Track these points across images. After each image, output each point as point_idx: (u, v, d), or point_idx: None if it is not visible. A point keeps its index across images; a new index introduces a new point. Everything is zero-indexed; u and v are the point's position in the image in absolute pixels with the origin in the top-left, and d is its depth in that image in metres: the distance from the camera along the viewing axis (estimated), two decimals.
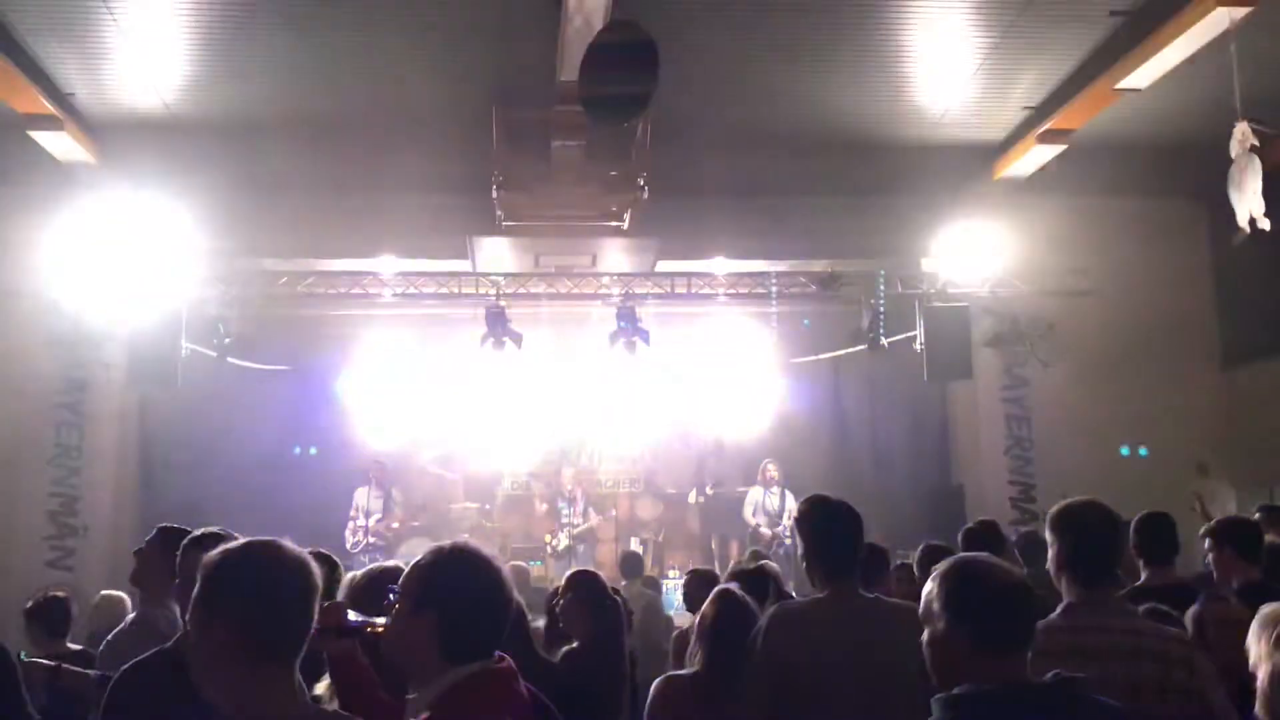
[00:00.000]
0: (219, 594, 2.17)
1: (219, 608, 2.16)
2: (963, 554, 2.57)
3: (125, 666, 3.28)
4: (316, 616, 2.28)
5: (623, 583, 8.32)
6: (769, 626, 3.59)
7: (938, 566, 2.47)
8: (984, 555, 2.54)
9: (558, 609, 5.30)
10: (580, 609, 5.12)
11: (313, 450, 13.82)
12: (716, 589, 4.32)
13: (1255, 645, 2.93)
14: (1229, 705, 2.99)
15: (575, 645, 5.06)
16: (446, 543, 2.51)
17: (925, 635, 2.43)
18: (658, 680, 4.22)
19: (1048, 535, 3.31)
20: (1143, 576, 4.64)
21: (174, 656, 3.12)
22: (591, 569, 5.96)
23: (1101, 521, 3.25)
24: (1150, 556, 4.61)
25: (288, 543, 2.25)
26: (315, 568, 2.25)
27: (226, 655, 2.13)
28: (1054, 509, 3.33)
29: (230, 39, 8.98)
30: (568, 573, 5.65)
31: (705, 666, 4.02)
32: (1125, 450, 12.04)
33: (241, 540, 2.25)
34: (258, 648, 2.13)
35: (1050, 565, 3.30)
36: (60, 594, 5.93)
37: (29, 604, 5.88)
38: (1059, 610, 3.17)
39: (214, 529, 3.73)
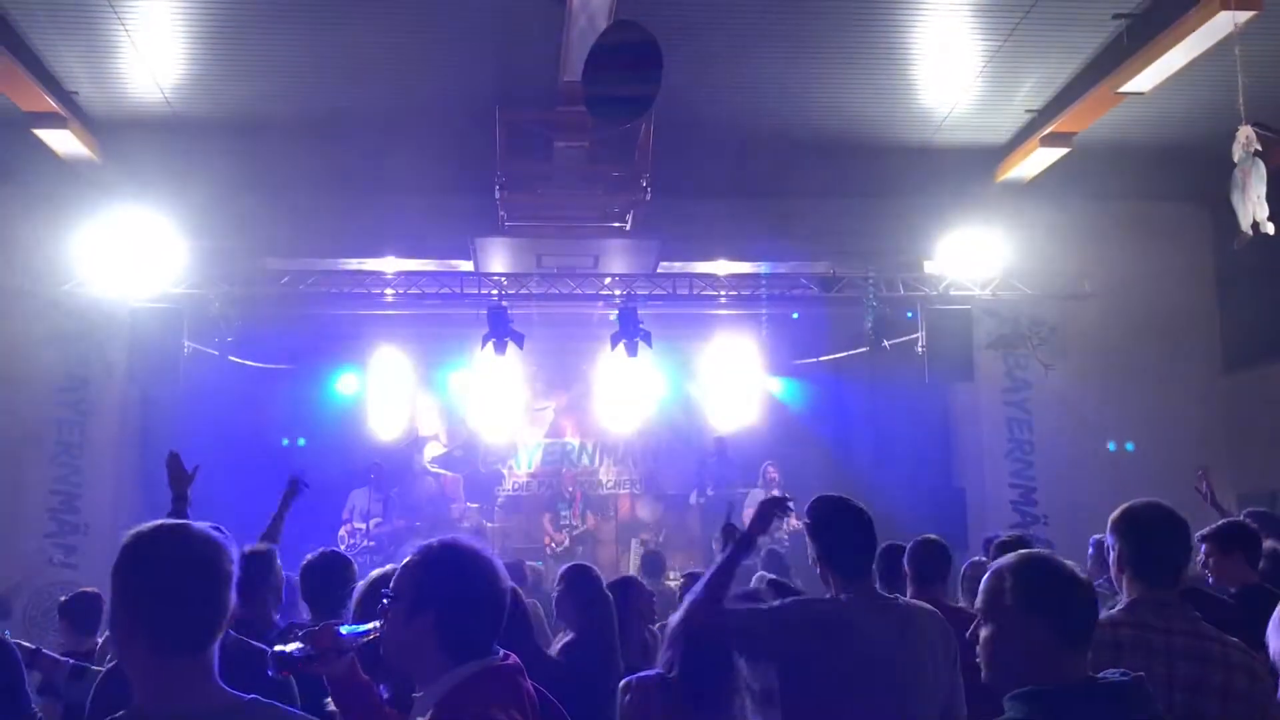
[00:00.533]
0: (121, 581, 2.08)
1: (121, 595, 2.07)
2: (1030, 550, 2.53)
3: (110, 666, 3.31)
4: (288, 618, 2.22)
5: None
6: (790, 618, 3.48)
7: (1003, 561, 2.43)
8: (1048, 551, 2.52)
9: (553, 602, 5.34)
10: (571, 602, 5.16)
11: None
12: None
13: (1275, 638, 2.95)
14: None
15: (570, 638, 5.10)
16: (434, 540, 2.46)
17: (988, 630, 2.38)
18: (624, 682, 4.00)
19: (1109, 537, 3.32)
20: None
21: None
22: (586, 564, 5.98)
23: (1162, 522, 3.25)
24: None
25: (197, 525, 2.15)
26: (227, 552, 2.12)
27: (135, 645, 2.05)
28: (1116, 511, 3.33)
29: (234, 38, 8.97)
30: (562, 567, 5.69)
31: (678, 672, 3.80)
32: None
33: (151, 524, 2.13)
34: (162, 637, 2.03)
35: (1111, 567, 3.31)
36: (92, 590, 5.98)
37: (62, 599, 5.98)
38: (1122, 606, 3.17)
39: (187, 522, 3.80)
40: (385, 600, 2.41)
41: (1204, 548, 4.69)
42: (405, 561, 2.44)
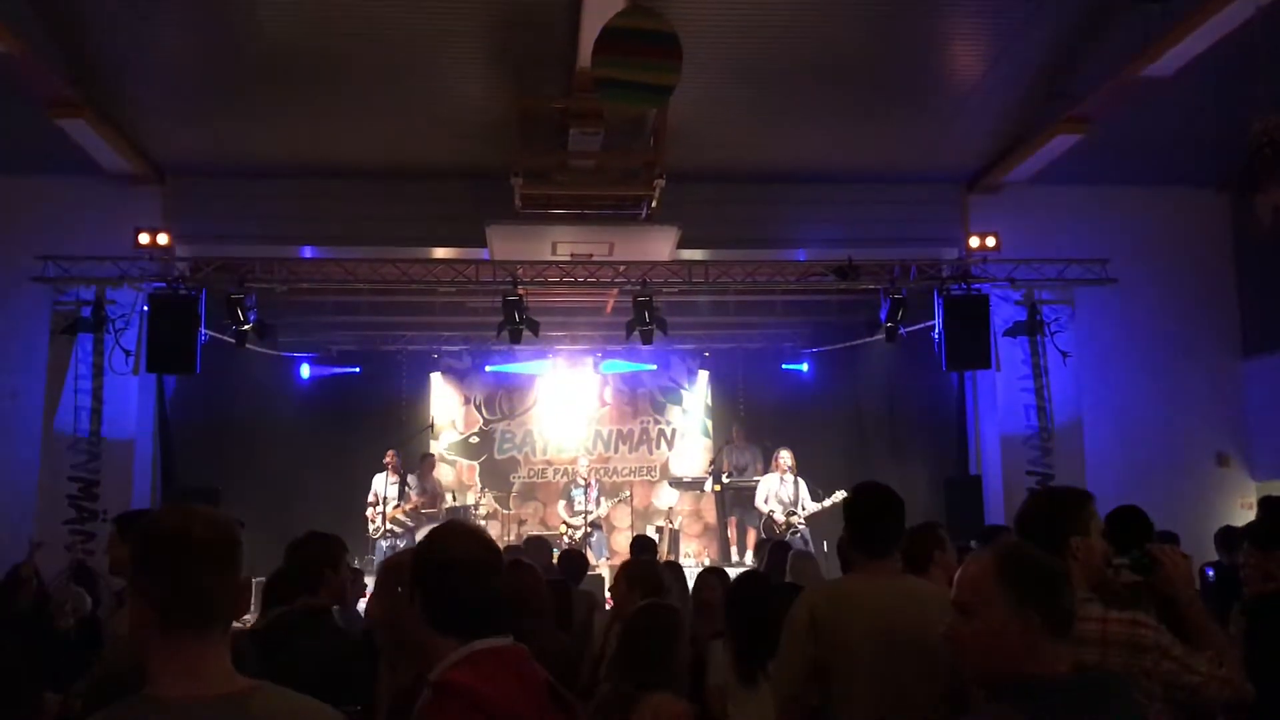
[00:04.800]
0: (134, 562, 2.09)
1: (134, 577, 2.08)
2: (1009, 540, 2.52)
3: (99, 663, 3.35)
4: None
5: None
6: (806, 604, 3.65)
7: (984, 553, 2.43)
8: (1026, 542, 2.50)
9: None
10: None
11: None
12: (641, 604, 4.24)
13: None
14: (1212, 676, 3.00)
15: None
16: (436, 526, 2.67)
17: (975, 623, 2.35)
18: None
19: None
20: None
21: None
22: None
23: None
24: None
25: (209, 509, 2.15)
26: (229, 533, 2.11)
27: (148, 626, 2.05)
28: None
29: (249, 23, 8.97)
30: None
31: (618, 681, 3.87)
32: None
33: (165, 507, 2.18)
34: (170, 618, 2.03)
35: None
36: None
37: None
38: None
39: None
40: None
41: (1245, 546, 4.59)
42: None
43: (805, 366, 14.91)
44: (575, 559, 8.03)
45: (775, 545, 8.41)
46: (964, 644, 2.37)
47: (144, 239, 10.85)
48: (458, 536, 2.56)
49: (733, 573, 9.97)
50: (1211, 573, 7.23)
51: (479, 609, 2.45)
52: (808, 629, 3.55)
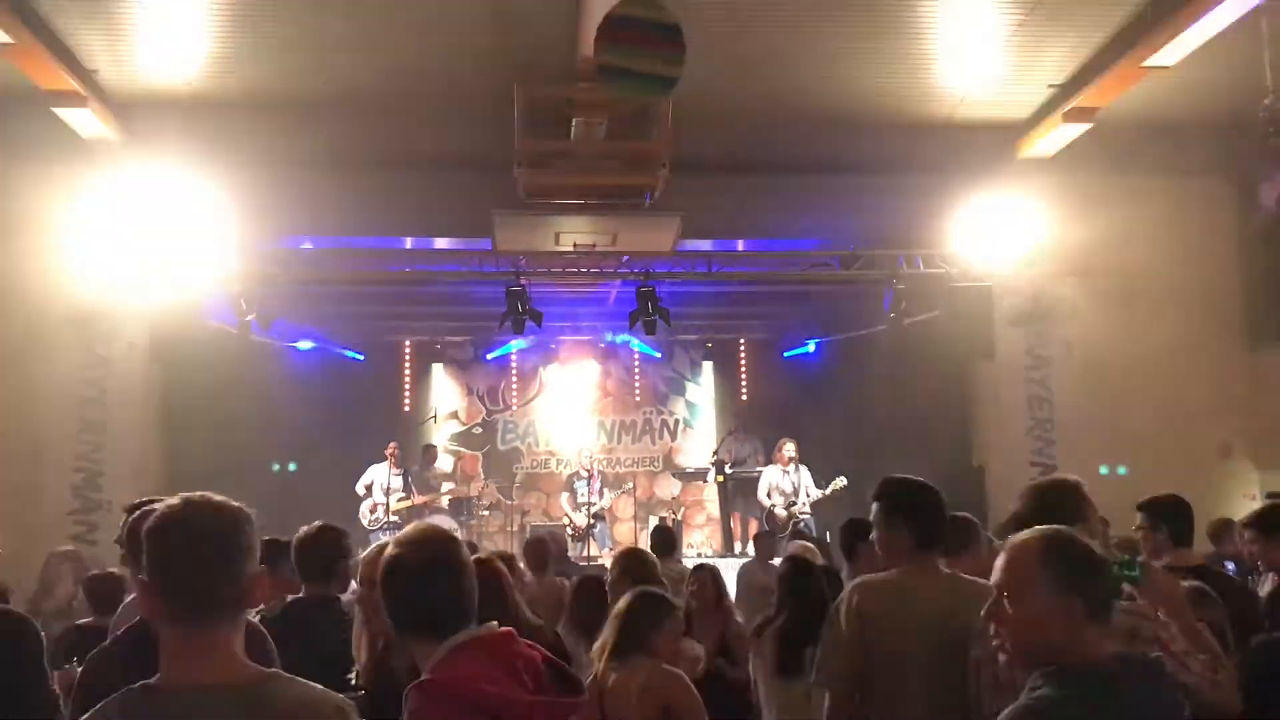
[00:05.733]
0: (145, 553, 2.09)
1: (145, 567, 2.09)
2: (1049, 525, 2.50)
3: (95, 651, 3.37)
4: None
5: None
6: (858, 596, 3.64)
7: (1024, 540, 2.41)
8: (1062, 527, 2.50)
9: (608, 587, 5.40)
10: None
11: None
12: (634, 590, 4.32)
13: None
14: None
15: None
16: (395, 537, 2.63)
17: (1018, 610, 2.34)
18: None
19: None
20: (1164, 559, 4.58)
21: (137, 632, 3.22)
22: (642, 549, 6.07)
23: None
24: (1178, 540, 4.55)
25: (219, 498, 2.14)
26: (237, 523, 2.11)
27: (157, 617, 2.07)
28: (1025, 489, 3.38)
29: (254, 16, 8.96)
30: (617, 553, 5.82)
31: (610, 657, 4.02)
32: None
33: (175, 497, 2.12)
34: (177, 608, 2.04)
35: None
36: (116, 571, 6.06)
37: (85, 577, 6.12)
38: None
39: (159, 499, 3.88)
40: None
41: (1247, 534, 4.61)
42: None
43: (811, 346, 14.84)
44: (539, 547, 7.75)
45: (795, 534, 8.43)
46: (1007, 627, 2.36)
47: (152, 228, 10.85)
48: (412, 545, 2.52)
49: (733, 564, 10.05)
50: (1233, 567, 7.10)
51: (444, 609, 2.44)
52: (855, 617, 3.54)
